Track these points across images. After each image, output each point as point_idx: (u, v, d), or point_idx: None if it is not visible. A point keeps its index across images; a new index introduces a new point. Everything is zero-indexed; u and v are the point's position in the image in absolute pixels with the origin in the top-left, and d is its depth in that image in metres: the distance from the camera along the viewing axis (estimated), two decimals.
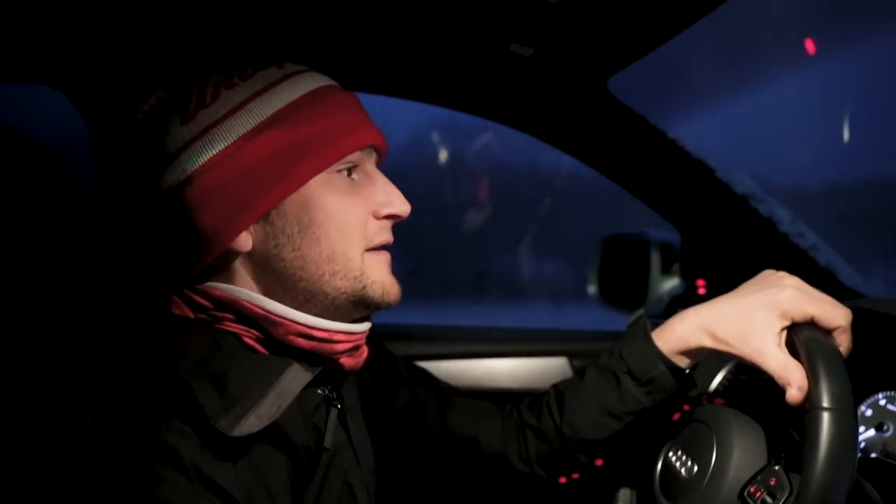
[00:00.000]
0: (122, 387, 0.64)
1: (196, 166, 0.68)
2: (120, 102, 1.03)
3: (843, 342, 0.80)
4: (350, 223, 0.73)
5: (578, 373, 0.99)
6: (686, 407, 1.03)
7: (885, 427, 0.95)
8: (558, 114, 1.18)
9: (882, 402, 0.97)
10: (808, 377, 0.75)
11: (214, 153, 0.68)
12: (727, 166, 1.22)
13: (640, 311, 0.96)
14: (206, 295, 0.71)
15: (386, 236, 0.77)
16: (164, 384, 0.64)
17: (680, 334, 0.88)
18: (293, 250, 0.71)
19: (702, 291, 1.37)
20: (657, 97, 1.16)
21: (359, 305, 0.75)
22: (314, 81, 0.74)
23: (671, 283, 1.41)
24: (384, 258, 0.77)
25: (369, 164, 0.77)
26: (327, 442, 0.75)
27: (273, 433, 0.69)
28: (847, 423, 0.72)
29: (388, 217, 0.77)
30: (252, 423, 0.64)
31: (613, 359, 0.94)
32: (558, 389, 1.00)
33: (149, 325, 0.70)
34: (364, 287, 0.74)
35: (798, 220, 1.21)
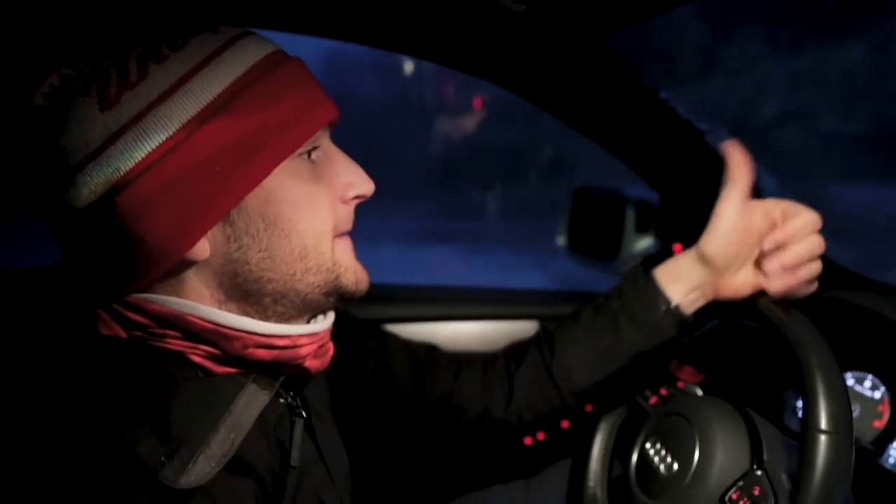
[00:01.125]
0: (41, 440, 0.53)
1: (130, 165, 0.54)
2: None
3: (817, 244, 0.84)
4: (320, 213, 0.64)
5: (572, 315, 0.98)
6: (664, 391, 1.02)
7: (851, 408, 0.96)
8: (549, 73, 1.08)
9: (850, 383, 0.98)
10: (807, 393, 0.72)
11: (152, 147, 0.55)
12: (717, 131, 1.15)
13: (637, 262, 0.96)
14: (140, 310, 0.60)
15: (350, 223, 0.70)
16: (93, 430, 0.54)
17: (676, 265, 0.91)
18: (260, 251, 0.61)
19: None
20: (653, 58, 1.07)
21: (331, 297, 0.68)
22: (259, 49, 0.61)
23: (645, 242, 1.37)
24: (349, 243, 0.70)
25: (325, 141, 0.67)
26: (294, 460, 0.68)
27: (232, 460, 0.60)
28: (845, 450, 0.70)
29: (354, 199, 0.69)
30: (202, 468, 0.56)
31: (611, 300, 0.94)
32: (548, 331, 0.98)
33: (74, 354, 0.58)
34: (338, 277, 0.67)
35: (785, 189, 1.17)
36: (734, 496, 0.78)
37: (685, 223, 1.28)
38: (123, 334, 0.61)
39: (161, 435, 0.55)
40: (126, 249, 0.57)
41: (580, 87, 1.10)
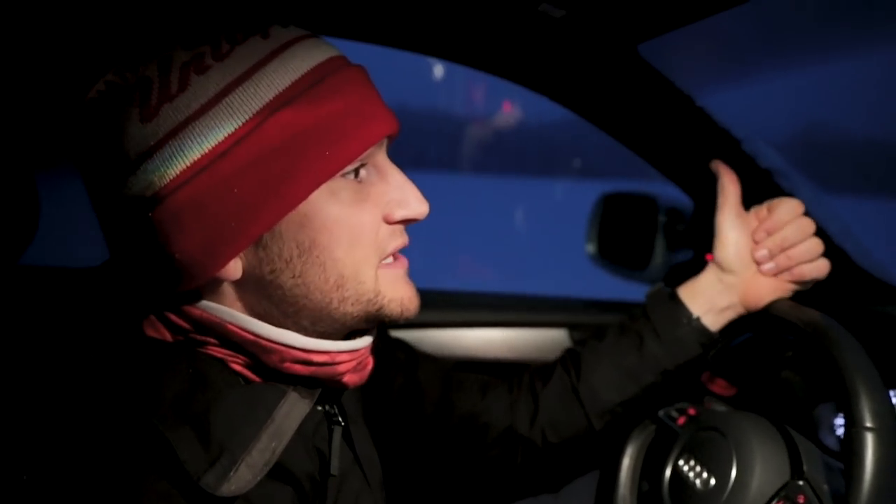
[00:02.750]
0: (83, 440, 0.53)
1: (165, 181, 0.53)
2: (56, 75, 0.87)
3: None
4: (359, 238, 0.60)
5: (597, 335, 0.99)
6: (692, 411, 1.00)
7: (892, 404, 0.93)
8: (585, 79, 1.07)
9: (894, 401, 0.95)
10: (846, 390, 0.72)
11: (187, 164, 0.53)
12: (754, 139, 1.13)
13: (660, 284, 0.99)
14: (185, 315, 0.60)
15: (401, 240, 0.65)
16: (137, 434, 0.53)
17: (698, 280, 0.94)
18: (293, 277, 0.59)
19: None
20: (689, 62, 1.06)
21: (373, 323, 0.65)
22: (312, 55, 0.58)
23: (677, 252, 1.35)
24: (400, 269, 0.66)
25: (380, 156, 0.63)
26: (334, 468, 0.67)
27: (276, 467, 0.60)
28: (892, 444, 0.69)
29: (402, 221, 0.64)
30: (243, 476, 0.55)
31: (636, 319, 0.95)
32: (574, 351, 0.99)
33: (119, 354, 0.58)
34: (380, 308, 0.63)
35: (824, 201, 1.14)
36: None
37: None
38: (169, 337, 0.61)
39: (203, 440, 0.55)
40: (159, 262, 0.56)
41: (613, 94, 1.09)
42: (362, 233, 0.61)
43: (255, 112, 0.54)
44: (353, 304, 0.62)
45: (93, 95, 0.56)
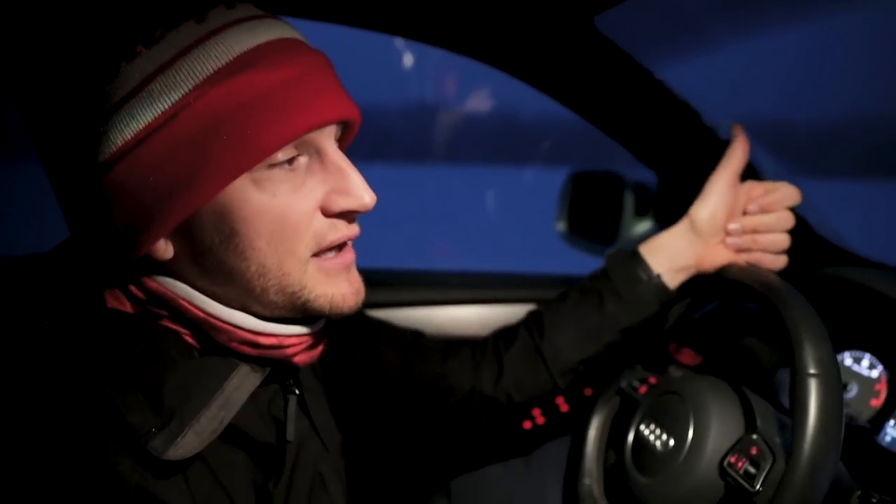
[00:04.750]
0: (37, 403, 0.54)
1: (97, 162, 0.55)
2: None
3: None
4: (285, 231, 0.58)
5: (560, 296, 1.00)
6: (652, 380, 1.02)
7: (848, 388, 0.96)
8: (540, 52, 1.07)
9: (847, 363, 0.97)
10: (791, 341, 0.74)
11: (113, 150, 0.55)
12: (713, 111, 1.14)
13: (620, 247, 1.00)
14: (142, 287, 0.61)
15: (341, 233, 0.62)
16: (91, 398, 0.55)
17: (661, 236, 0.96)
18: (216, 262, 0.59)
19: None
20: (647, 34, 1.07)
21: (302, 314, 0.64)
22: (245, 39, 0.56)
23: (644, 225, 1.37)
24: (338, 264, 0.63)
25: (323, 141, 0.60)
26: (290, 434, 0.68)
27: (228, 431, 0.62)
28: (835, 389, 0.72)
29: (342, 214, 0.62)
30: (190, 441, 0.56)
31: (597, 279, 0.97)
32: (537, 313, 1.01)
33: (78, 323, 0.59)
34: (306, 302, 0.62)
35: (782, 171, 1.16)
36: (732, 460, 0.78)
37: (683, 205, 1.28)
38: (129, 309, 0.62)
39: (154, 406, 0.56)
40: (100, 226, 0.58)
41: (572, 69, 1.10)
42: (287, 223, 0.59)
43: (172, 102, 0.54)
44: (275, 294, 0.61)
45: (56, 74, 0.57)
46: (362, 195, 0.61)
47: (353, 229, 0.64)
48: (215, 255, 0.59)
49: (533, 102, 1.16)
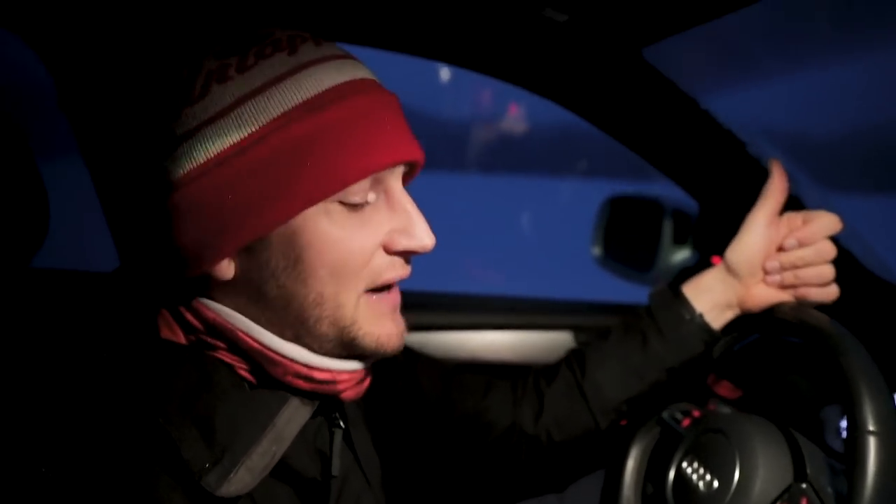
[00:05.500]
0: (92, 435, 0.54)
1: (175, 177, 0.56)
2: (90, 46, 0.90)
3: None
4: (348, 262, 0.60)
5: (602, 334, 0.99)
6: (696, 413, 1.00)
7: None
8: (588, 82, 1.07)
9: None
10: (850, 394, 0.72)
11: (193, 166, 0.56)
12: (759, 141, 1.13)
13: (664, 283, 1.00)
14: (198, 315, 0.61)
15: (397, 272, 0.64)
16: (144, 431, 0.55)
17: (702, 278, 0.94)
18: (277, 287, 0.60)
19: None
20: (693, 65, 1.06)
21: (349, 351, 0.64)
22: (331, 76, 0.58)
23: (683, 254, 1.35)
24: (386, 305, 0.64)
25: (391, 181, 0.62)
26: (335, 469, 0.67)
27: (278, 467, 0.62)
28: (894, 448, 0.69)
29: (403, 252, 0.63)
30: (243, 478, 0.56)
31: (640, 318, 0.96)
32: (579, 351, 1.00)
33: (131, 354, 0.60)
34: (354, 339, 0.63)
35: (830, 202, 1.14)
36: None
37: (725, 234, 1.26)
38: (182, 339, 0.63)
39: (207, 440, 0.56)
40: (163, 249, 0.59)
41: (618, 98, 1.10)
42: (351, 257, 0.60)
43: (260, 125, 0.56)
44: (328, 326, 0.61)
45: (135, 90, 0.60)
46: (424, 237, 0.62)
47: (406, 269, 0.65)
48: (277, 280, 0.60)
49: (573, 119, 1.16)
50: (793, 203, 1.17)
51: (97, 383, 0.57)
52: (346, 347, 0.64)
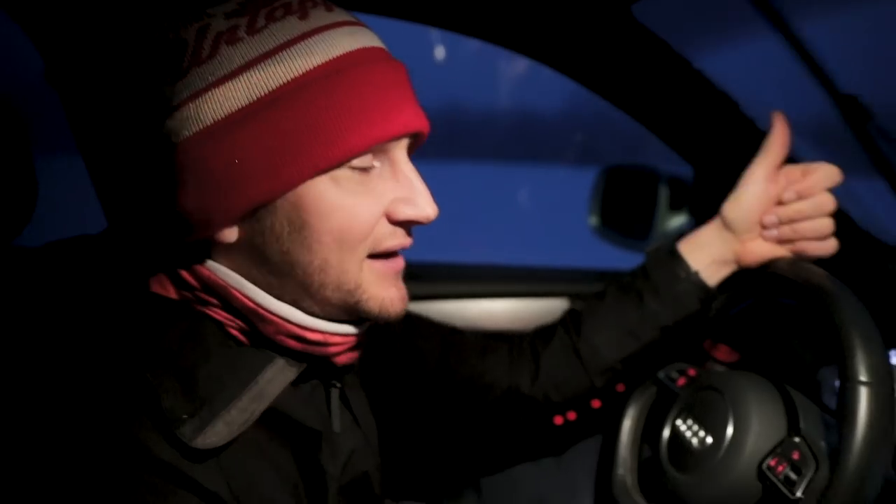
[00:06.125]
0: (74, 383, 0.55)
1: (179, 139, 0.55)
2: (81, 18, 0.89)
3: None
4: (353, 229, 0.60)
5: (598, 294, 0.99)
6: (692, 372, 1.00)
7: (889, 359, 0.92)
8: (577, 41, 1.06)
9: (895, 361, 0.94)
10: (841, 345, 0.72)
11: (200, 128, 0.55)
12: (754, 102, 1.12)
13: (660, 242, 0.99)
14: (194, 273, 0.61)
15: (398, 240, 0.64)
16: (127, 380, 0.55)
17: (698, 234, 0.93)
18: (280, 252, 0.60)
19: None
20: (685, 22, 1.04)
21: (351, 315, 0.65)
22: (341, 43, 0.58)
23: (679, 220, 1.35)
24: (390, 269, 0.65)
25: (396, 151, 0.62)
26: (335, 426, 0.68)
27: (275, 418, 0.62)
28: (887, 399, 0.69)
29: (405, 221, 0.63)
30: (219, 431, 0.56)
31: (636, 277, 0.95)
32: (575, 311, 1.00)
33: (120, 307, 0.60)
34: (358, 302, 0.63)
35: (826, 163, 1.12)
36: (772, 463, 0.76)
37: (720, 199, 1.25)
38: (174, 295, 0.63)
39: (187, 393, 0.56)
40: (161, 214, 0.58)
41: (609, 57, 1.08)
42: (357, 224, 0.60)
43: (270, 89, 0.55)
44: (332, 291, 0.62)
45: (134, 49, 0.57)
46: (427, 207, 0.63)
47: (408, 239, 0.65)
48: (281, 245, 0.60)
49: (565, 97, 1.15)
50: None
51: (84, 334, 0.57)
52: (350, 312, 0.64)
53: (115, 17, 0.66)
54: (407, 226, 0.65)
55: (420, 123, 0.62)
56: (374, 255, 0.63)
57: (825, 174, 0.87)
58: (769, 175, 0.89)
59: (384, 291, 0.64)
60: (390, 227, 0.63)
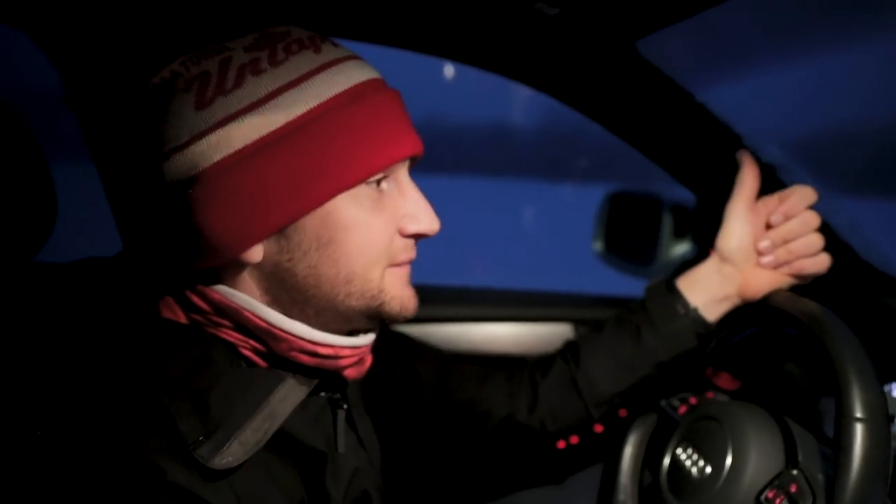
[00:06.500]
0: (92, 407, 0.57)
1: (207, 164, 0.59)
2: (100, 44, 0.92)
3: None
4: (374, 242, 0.66)
5: (597, 327, 1.01)
6: (693, 400, 1.01)
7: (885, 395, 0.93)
8: (582, 75, 1.08)
9: (895, 394, 0.95)
10: (837, 380, 0.73)
11: (229, 153, 0.59)
12: (756, 134, 1.13)
13: (661, 276, 1.00)
14: (204, 297, 0.64)
15: (411, 254, 0.70)
16: (143, 403, 0.57)
17: (697, 270, 0.95)
18: (308, 267, 0.64)
19: None
20: (688, 57, 1.07)
21: (373, 320, 0.69)
22: (354, 75, 0.64)
23: (683, 247, 1.36)
24: (404, 271, 0.71)
25: (401, 172, 0.69)
26: (340, 446, 0.71)
27: (280, 440, 0.64)
28: (882, 436, 0.70)
29: (414, 235, 0.70)
30: (235, 451, 0.59)
31: (634, 311, 0.97)
32: (574, 343, 1.01)
33: (133, 332, 0.63)
34: (381, 304, 0.68)
35: (829, 195, 1.14)
36: (770, 495, 0.77)
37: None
38: (183, 319, 0.66)
39: (201, 415, 0.59)
40: (187, 235, 0.61)
41: (613, 91, 1.10)
42: (376, 236, 0.66)
43: (297, 115, 0.60)
44: (357, 300, 0.66)
45: (157, 81, 0.61)
46: (431, 221, 0.69)
47: (414, 252, 0.71)
48: (310, 260, 0.64)
49: (572, 118, 1.17)
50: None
51: (99, 360, 0.60)
52: (371, 316, 0.69)
53: (139, 49, 0.68)
54: (414, 239, 0.70)
55: (419, 146, 0.69)
56: (390, 265, 0.68)
57: (802, 194, 0.91)
58: (749, 206, 0.93)
59: (403, 292, 0.70)
60: (403, 242, 0.69)
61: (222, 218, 0.60)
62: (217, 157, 0.59)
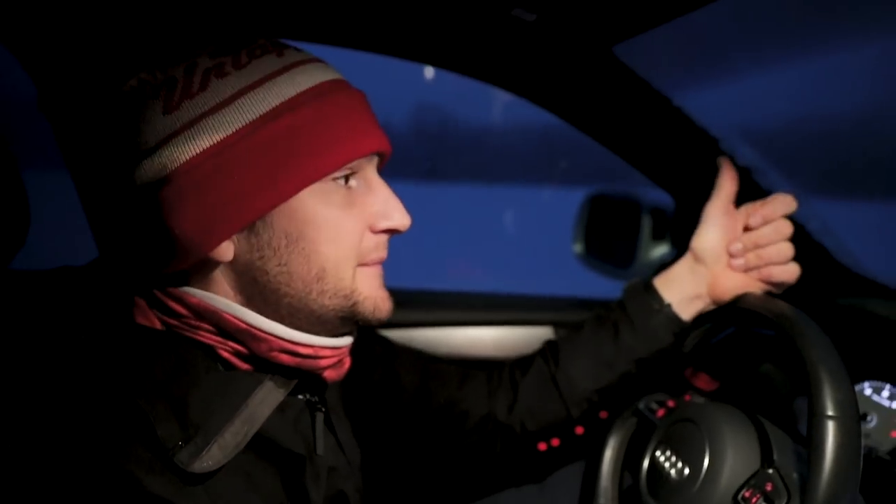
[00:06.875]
0: (69, 414, 0.57)
1: (176, 165, 0.60)
2: (72, 47, 0.91)
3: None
4: (344, 239, 0.66)
5: (576, 326, 1.02)
6: (671, 403, 1.02)
7: (868, 418, 0.95)
8: (560, 80, 1.09)
9: (867, 393, 0.97)
10: (809, 380, 0.74)
11: (197, 152, 0.60)
12: (732, 138, 1.15)
13: (639, 277, 1.02)
14: (181, 301, 0.64)
15: (381, 253, 0.70)
16: (121, 410, 0.57)
17: (672, 269, 0.97)
18: (279, 265, 0.64)
19: None
20: (665, 61, 1.08)
21: (347, 321, 0.69)
22: (316, 76, 0.65)
23: (661, 249, 1.37)
24: (377, 271, 0.71)
25: (369, 170, 0.69)
26: (319, 449, 0.71)
27: (259, 443, 0.64)
28: (853, 433, 0.71)
29: (385, 231, 0.70)
30: (215, 455, 0.59)
31: (612, 310, 0.99)
32: (553, 343, 1.02)
33: (109, 340, 0.62)
34: (355, 304, 0.68)
35: (804, 198, 1.16)
36: (746, 494, 0.78)
37: None
38: (158, 324, 0.65)
39: (180, 420, 0.58)
40: (158, 236, 0.62)
41: (591, 96, 1.11)
42: (346, 234, 0.66)
43: (261, 114, 0.61)
44: (330, 298, 0.66)
45: (126, 88, 0.62)
46: (402, 217, 0.69)
47: (385, 253, 0.71)
48: (280, 257, 0.64)
49: (551, 122, 1.18)
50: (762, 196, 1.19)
51: (75, 367, 0.59)
52: (345, 317, 0.68)
53: (108, 57, 0.68)
54: (385, 236, 0.71)
55: (385, 144, 0.69)
56: (361, 265, 0.68)
57: (781, 202, 0.92)
58: (726, 209, 0.95)
59: (377, 292, 0.70)
60: (374, 239, 0.69)
61: (192, 215, 0.60)
62: (185, 157, 0.60)
